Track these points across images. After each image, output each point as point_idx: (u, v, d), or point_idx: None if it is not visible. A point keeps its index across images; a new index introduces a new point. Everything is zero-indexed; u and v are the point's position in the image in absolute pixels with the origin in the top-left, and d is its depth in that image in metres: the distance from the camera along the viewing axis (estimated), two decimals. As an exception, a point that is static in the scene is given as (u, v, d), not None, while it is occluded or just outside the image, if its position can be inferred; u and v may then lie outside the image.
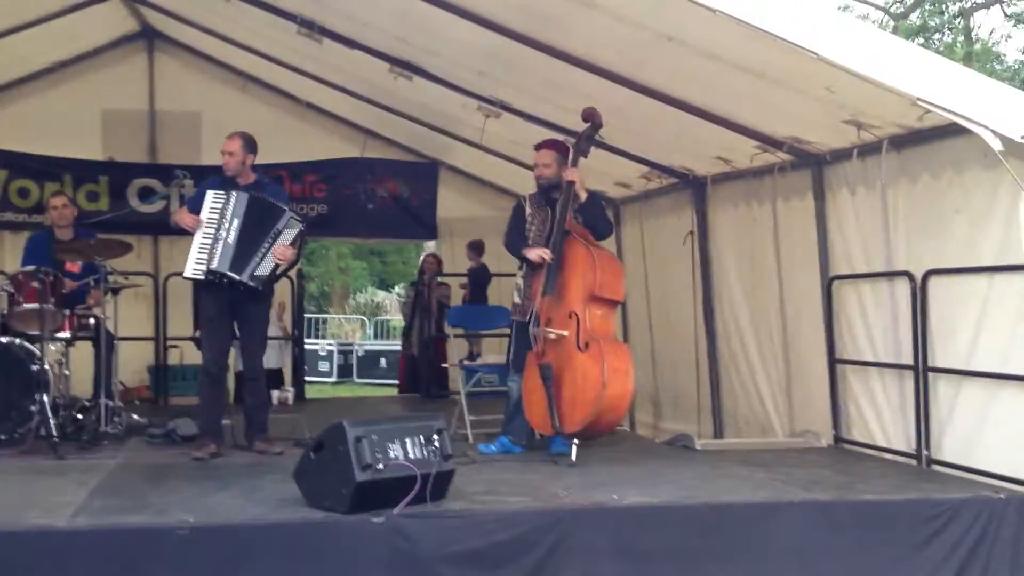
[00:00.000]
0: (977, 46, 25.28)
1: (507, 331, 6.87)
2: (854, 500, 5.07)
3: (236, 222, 6.19)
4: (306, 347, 13.86)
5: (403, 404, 10.72)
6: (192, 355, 8.98)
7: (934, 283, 5.86)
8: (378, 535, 4.42)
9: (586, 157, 6.40)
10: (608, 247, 6.80)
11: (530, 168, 6.80)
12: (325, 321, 24.31)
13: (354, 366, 20.04)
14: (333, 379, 19.67)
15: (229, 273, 6.16)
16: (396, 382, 13.87)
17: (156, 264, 10.25)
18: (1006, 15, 24.83)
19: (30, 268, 6.79)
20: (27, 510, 4.58)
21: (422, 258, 12.96)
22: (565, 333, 6.10)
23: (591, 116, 6.29)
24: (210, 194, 6.29)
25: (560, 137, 6.98)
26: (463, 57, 7.31)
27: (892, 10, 25.29)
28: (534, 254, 6.34)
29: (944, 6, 25.02)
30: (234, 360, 7.17)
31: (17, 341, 6.60)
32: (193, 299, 7.62)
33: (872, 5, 25.21)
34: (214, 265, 6.16)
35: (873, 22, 23.72)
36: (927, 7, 24.90)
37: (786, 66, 5.33)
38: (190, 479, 5.49)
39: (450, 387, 10.33)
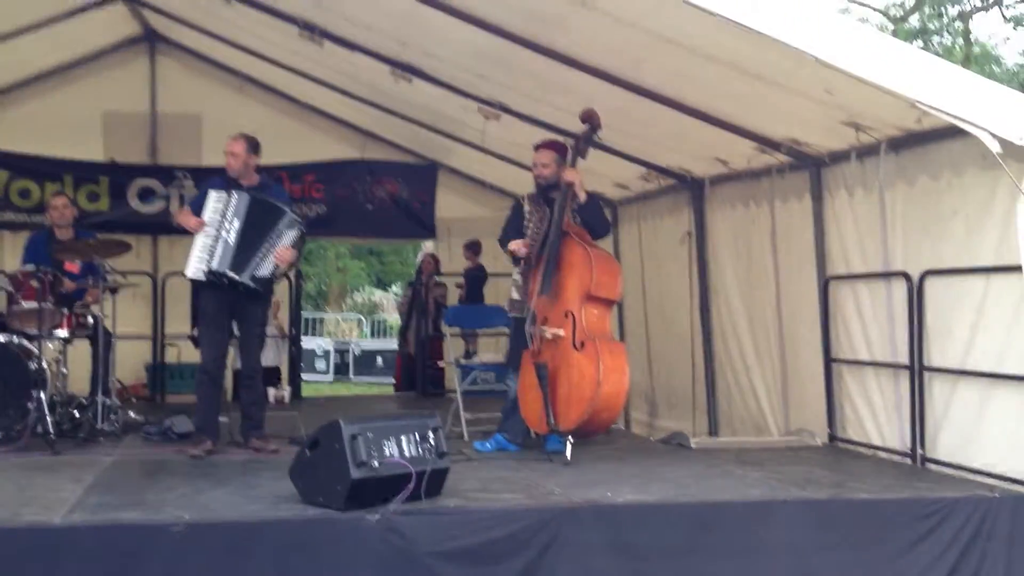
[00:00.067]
0: (976, 49, 25.27)
1: (503, 330, 6.88)
2: (849, 499, 5.08)
3: (237, 223, 6.21)
4: (303, 345, 13.89)
5: (399, 402, 10.74)
6: (189, 353, 9.01)
7: (931, 283, 5.87)
8: (373, 532, 4.43)
9: (585, 158, 6.41)
10: (605, 247, 6.81)
11: (528, 169, 6.81)
12: (322, 320, 24.32)
13: (351, 364, 20.05)
14: (330, 377, 19.69)
15: (229, 273, 6.17)
16: (392, 380, 13.88)
17: (155, 264, 10.27)
18: (1005, 18, 24.83)
19: (29, 267, 6.84)
20: (23, 506, 4.60)
21: (420, 258, 12.98)
22: (562, 332, 6.10)
23: (589, 117, 6.29)
24: (212, 194, 6.30)
25: (559, 138, 6.99)
26: (463, 59, 7.31)
27: (891, 13, 25.29)
28: (514, 245, 6.41)
29: (943, 9, 25.00)
30: (232, 358, 7.18)
31: (15, 339, 6.62)
32: (192, 298, 7.64)
33: (871, 8, 25.23)
34: (215, 265, 6.18)
35: (872, 25, 23.70)
36: (926, 10, 24.87)
37: (785, 68, 5.35)
38: (186, 476, 5.49)
39: (446, 386, 10.36)
